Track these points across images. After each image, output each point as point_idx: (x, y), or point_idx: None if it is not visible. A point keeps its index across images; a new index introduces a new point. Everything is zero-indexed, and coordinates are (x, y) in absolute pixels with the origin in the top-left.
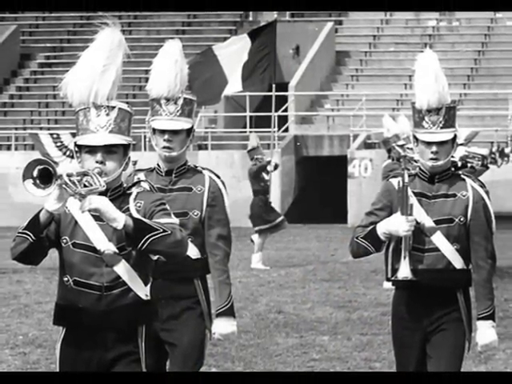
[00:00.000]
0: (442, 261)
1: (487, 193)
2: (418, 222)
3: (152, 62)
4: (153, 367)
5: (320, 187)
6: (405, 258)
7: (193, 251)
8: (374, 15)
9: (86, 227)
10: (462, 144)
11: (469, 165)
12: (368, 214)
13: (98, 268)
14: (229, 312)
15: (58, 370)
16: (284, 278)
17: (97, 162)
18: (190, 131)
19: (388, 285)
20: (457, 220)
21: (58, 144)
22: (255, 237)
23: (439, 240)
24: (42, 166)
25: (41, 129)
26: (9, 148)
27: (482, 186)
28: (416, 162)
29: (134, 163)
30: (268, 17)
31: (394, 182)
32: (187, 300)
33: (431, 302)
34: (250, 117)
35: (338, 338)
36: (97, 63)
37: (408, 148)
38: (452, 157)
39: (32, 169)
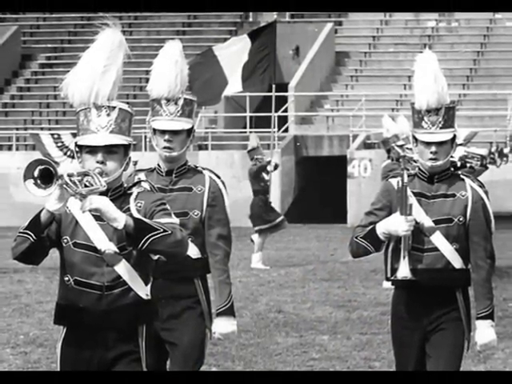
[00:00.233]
0: (442, 260)
1: (486, 193)
2: (417, 222)
3: (152, 62)
4: (153, 366)
5: (320, 187)
6: (404, 257)
7: (193, 251)
8: (374, 16)
9: (86, 227)
10: (461, 144)
11: (468, 165)
12: (367, 214)
13: (99, 268)
14: (229, 311)
15: (58, 370)
16: (284, 277)
17: (97, 162)
18: (190, 131)
19: (387, 284)
20: (456, 220)
21: (59, 144)
22: (255, 236)
23: (438, 240)
24: (42, 166)
25: (42, 129)
26: (10, 148)
27: (481, 185)
28: (415, 162)
29: (135, 163)
30: (268, 17)
31: (394, 182)
32: (187, 300)
33: (430, 302)
34: (250, 117)
35: (338, 338)
36: (97, 64)
37: (407, 148)
38: (451, 157)
39: (33, 169)
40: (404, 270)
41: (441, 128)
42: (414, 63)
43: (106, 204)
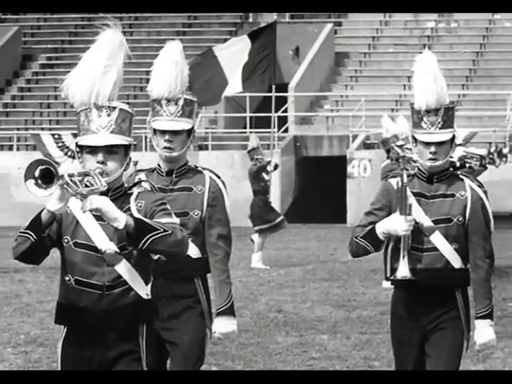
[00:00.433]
0: (441, 260)
1: (485, 193)
2: (416, 222)
3: (153, 63)
4: (154, 366)
5: (319, 187)
6: (404, 257)
7: (193, 251)
8: (373, 17)
9: (87, 227)
10: (460, 144)
11: (467, 165)
12: (367, 214)
13: (100, 267)
14: (229, 311)
15: (59, 369)
16: (284, 277)
17: (98, 162)
18: (190, 132)
19: (387, 284)
20: (455, 220)
21: (60, 144)
22: (255, 236)
23: (438, 240)
24: (43, 166)
25: (42, 129)
26: (11, 148)
27: (481, 186)
28: (415, 162)
29: (135, 163)
30: (268, 18)
31: (393, 182)
32: (188, 299)
33: (430, 301)
34: (250, 117)
35: (338, 337)
36: (98, 64)
37: (407, 148)
38: (450, 157)
39: (34, 169)
40: (403, 270)
41: (440, 128)
42: (413, 64)
43: (106, 204)
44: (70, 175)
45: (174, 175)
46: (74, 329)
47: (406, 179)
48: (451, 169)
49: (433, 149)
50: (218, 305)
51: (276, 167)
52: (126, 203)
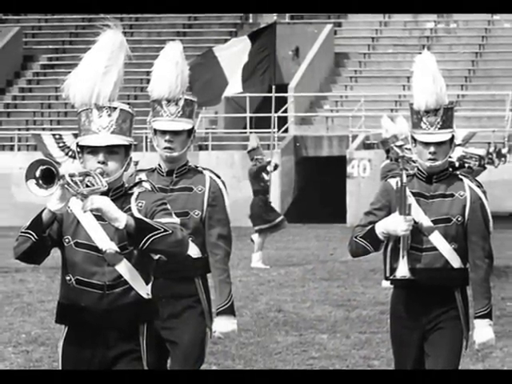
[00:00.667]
0: (440, 260)
1: (484, 193)
2: (416, 222)
3: (153, 63)
4: (154, 365)
5: (319, 187)
6: (403, 257)
7: (193, 250)
8: (373, 17)
9: (88, 227)
10: (459, 144)
11: (466, 165)
12: (367, 214)
13: (100, 267)
14: (229, 311)
15: (60, 368)
16: (284, 277)
17: (99, 162)
18: (190, 132)
19: (386, 284)
20: (454, 220)
21: (61, 144)
22: (255, 236)
23: (437, 239)
24: (44, 167)
25: (43, 129)
26: (12, 148)
27: (480, 186)
28: (414, 162)
29: (136, 164)
30: (268, 19)
31: (393, 182)
32: (188, 299)
33: (429, 301)
34: (250, 118)
35: (337, 337)
36: (99, 65)
37: (406, 148)
38: (450, 157)
39: (35, 169)
40: (403, 270)
41: (439, 128)
42: (412, 64)
43: (107, 204)
44: (71, 175)
45: (174, 175)
46: (74, 328)
47: (405, 179)
48: (450, 169)
49: (432, 149)
50: (218, 304)
51: (276, 167)
52: (126, 203)
